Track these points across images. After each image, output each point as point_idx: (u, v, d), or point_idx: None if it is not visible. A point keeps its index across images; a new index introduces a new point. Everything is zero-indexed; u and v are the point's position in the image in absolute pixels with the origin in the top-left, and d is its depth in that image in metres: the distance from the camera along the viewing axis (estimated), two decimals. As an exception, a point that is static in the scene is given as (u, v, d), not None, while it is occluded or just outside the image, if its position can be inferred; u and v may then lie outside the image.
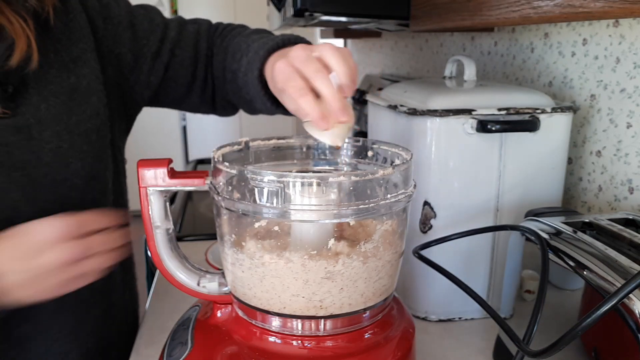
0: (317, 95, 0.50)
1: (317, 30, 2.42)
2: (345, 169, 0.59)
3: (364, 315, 0.49)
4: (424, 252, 0.59)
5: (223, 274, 0.52)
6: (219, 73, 0.76)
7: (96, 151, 0.67)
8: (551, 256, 0.52)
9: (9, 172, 0.59)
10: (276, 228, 0.51)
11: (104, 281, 0.63)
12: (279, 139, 0.58)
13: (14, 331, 0.62)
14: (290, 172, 0.53)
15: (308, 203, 0.45)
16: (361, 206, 0.45)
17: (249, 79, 0.64)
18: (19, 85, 0.59)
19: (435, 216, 0.71)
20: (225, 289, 0.52)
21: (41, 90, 0.61)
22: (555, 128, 0.71)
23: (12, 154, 0.58)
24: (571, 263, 0.50)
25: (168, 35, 0.74)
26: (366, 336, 0.49)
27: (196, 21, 0.79)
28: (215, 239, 0.52)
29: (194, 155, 3.80)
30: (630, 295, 0.41)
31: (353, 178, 0.47)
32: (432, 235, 0.72)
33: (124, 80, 0.72)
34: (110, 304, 0.73)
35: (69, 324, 0.66)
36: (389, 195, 0.47)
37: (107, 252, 0.55)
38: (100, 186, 0.68)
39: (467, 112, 0.68)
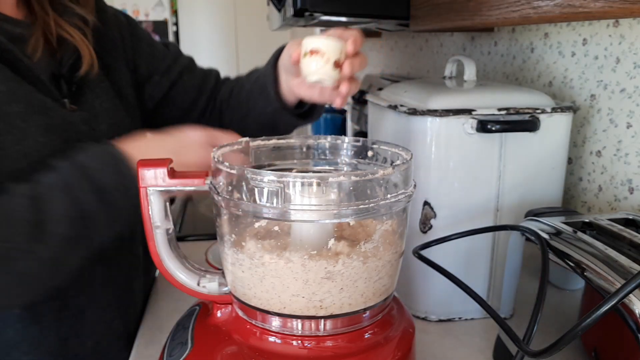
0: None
1: (317, 30, 2.42)
2: (345, 169, 0.59)
3: (364, 315, 0.49)
4: (424, 252, 0.59)
5: (223, 274, 0.52)
6: (225, 96, 0.87)
7: None
8: (551, 256, 0.52)
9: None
10: (276, 228, 0.51)
11: (143, 260, 0.79)
12: (279, 139, 0.58)
13: (71, 301, 0.68)
14: (290, 172, 0.53)
15: (308, 203, 0.45)
16: (361, 206, 0.45)
17: (265, 76, 0.77)
18: (80, 84, 0.70)
19: (435, 216, 0.71)
20: (225, 289, 0.52)
21: (93, 89, 0.71)
22: (555, 128, 0.71)
23: (82, 142, 0.67)
24: (571, 263, 0.50)
25: (181, 61, 0.86)
26: (366, 336, 0.49)
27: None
28: (215, 239, 0.52)
29: (193, 155, 3.78)
30: (630, 295, 0.41)
31: (353, 178, 0.47)
32: (432, 235, 0.72)
33: (139, 88, 0.83)
34: (146, 281, 0.83)
35: (115, 296, 0.73)
36: (389, 195, 0.47)
37: None
38: None
39: (467, 112, 0.68)
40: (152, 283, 0.89)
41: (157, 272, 0.91)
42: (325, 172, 0.59)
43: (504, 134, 0.69)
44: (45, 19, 0.68)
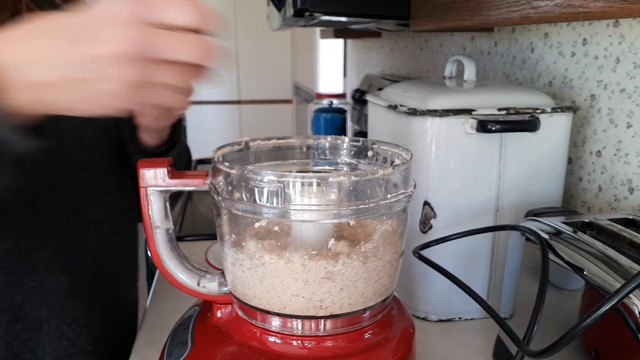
0: None
1: (317, 30, 2.42)
2: (345, 169, 0.59)
3: (364, 315, 0.49)
4: (424, 252, 0.59)
5: (223, 274, 0.52)
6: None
7: (116, 144, 0.72)
8: (551, 256, 0.52)
9: (35, 155, 0.54)
10: (276, 228, 0.51)
11: (114, 273, 0.74)
12: (279, 139, 0.58)
13: (30, 315, 0.63)
14: (290, 172, 0.53)
15: (308, 203, 0.45)
16: (361, 206, 0.45)
17: None
18: None
19: (435, 216, 0.71)
20: (225, 289, 0.52)
21: None
22: (555, 128, 0.71)
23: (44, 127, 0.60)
24: (571, 263, 0.50)
25: None
26: (366, 336, 0.49)
27: None
28: (215, 239, 0.52)
29: (194, 155, 3.79)
30: (630, 295, 0.41)
31: (353, 178, 0.47)
32: (432, 235, 0.72)
33: None
34: (118, 297, 0.77)
35: (80, 310, 0.68)
36: (389, 195, 0.47)
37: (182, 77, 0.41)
38: (117, 178, 0.73)
39: (467, 112, 0.68)
40: (135, 301, 0.84)
41: (158, 272, 0.91)
42: (325, 172, 0.59)
43: (504, 134, 0.69)
44: (16, 4, 0.62)
